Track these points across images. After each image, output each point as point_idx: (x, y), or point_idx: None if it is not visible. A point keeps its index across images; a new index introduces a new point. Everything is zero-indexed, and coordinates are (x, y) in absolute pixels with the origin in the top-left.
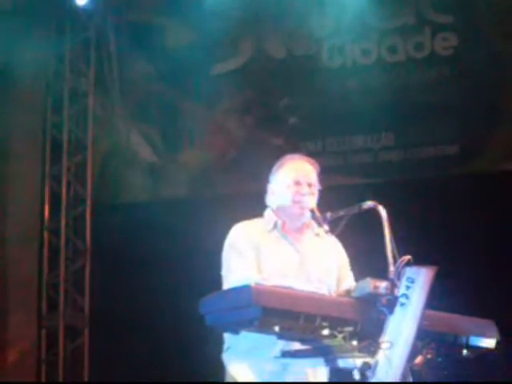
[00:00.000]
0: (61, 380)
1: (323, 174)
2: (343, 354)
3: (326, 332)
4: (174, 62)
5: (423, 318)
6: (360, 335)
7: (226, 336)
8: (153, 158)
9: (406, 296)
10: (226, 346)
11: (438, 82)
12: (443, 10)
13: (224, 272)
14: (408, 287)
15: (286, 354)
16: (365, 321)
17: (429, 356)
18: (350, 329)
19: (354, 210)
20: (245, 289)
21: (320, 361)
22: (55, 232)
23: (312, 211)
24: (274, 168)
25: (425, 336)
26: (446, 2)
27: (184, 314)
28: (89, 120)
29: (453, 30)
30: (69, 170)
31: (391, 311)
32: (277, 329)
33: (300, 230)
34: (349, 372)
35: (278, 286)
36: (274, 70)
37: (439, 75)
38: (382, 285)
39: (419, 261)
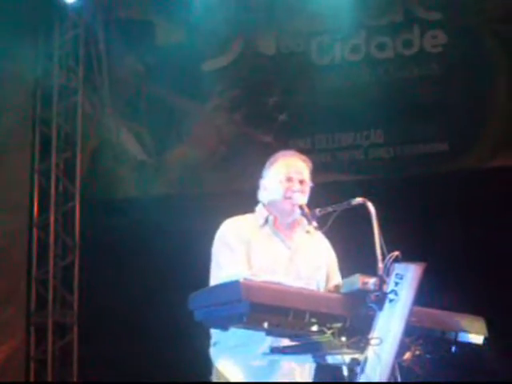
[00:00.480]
0: (50, 377)
1: (313, 171)
2: (332, 351)
3: (314, 328)
4: (164, 59)
5: (412, 314)
6: (349, 331)
7: (214, 331)
8: (142, 155)
9: (394, 292)
10: (213, 340)
11: (427, 79)
12: (432, 8)
13: (213, 267)
14: (397, 283)
15: (274, 351)
16: (354, 317)
17: (417, 352)
18: (338, 325)
19: (343, 206)
20: (234, 284)
21: (308, 357)
22: (44, 228)
23: (301, 207)
24: (267, 164)
25: (413, 332)
26: None
27: (174, 310)
28: (78, 116)
29: (441, 28)
30: (58, 166)
31: (380, 307)
32: (266, 325)
33: (291, 226)
34: (335, 368)
35: (267, 282)
36: (263, 67)
37: (428, 72)
38: (371, 281)
39: (408, 257)
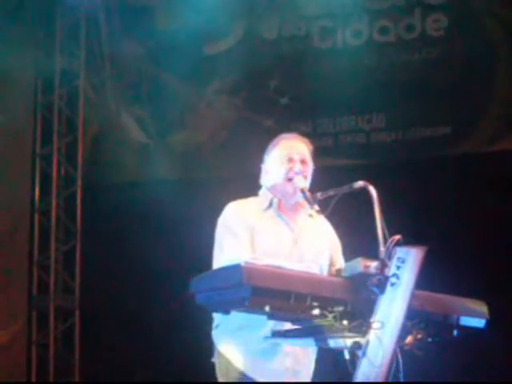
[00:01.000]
0: (52, 362)
1: (314, 155)
2: (334, 334)
3: (316, 312)
4: (165, 43)
5: (413, 297)
6: (351, 315)
7: (216, 314)
8: (143, 139)
9: (396, 276)
10: (215, 323)
11: (429, 63)
12: None
13: (216, 251)
14: (398, 267)
15: (276, 334)
16: (355, 300)
17: (419, 336)
18: (340, 308)
19: (344, 190)
20: (235, 268)
21: (309, 341)
22: (46, 213)
23: (302, 191)
24: (268, 148)
25: (415, 316)
26: None
27: (176, 294)
28: (79, 101)
29: (443, 11)
30: (59, 150)
31: (382, 291)
32: (267, 308)
33: (294, 209)
34: (337, 352)
35: (268, 265)
36: (264, 51)
37: (430, 56)
38: (373, 264)
39: (409, 241)
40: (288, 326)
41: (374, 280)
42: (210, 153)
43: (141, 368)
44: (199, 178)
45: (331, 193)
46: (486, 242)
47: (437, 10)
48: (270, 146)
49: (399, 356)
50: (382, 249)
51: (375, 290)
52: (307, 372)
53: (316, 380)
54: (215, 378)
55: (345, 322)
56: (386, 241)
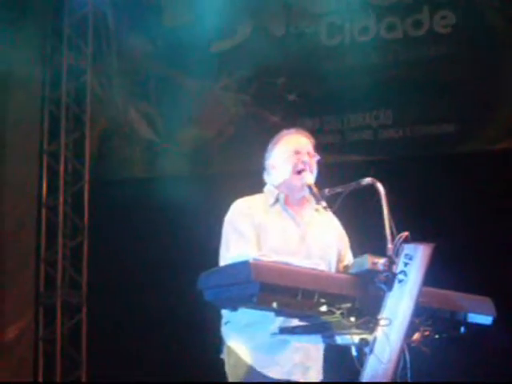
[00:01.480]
0: (59, 357)
1: (321, 151)
2: (341, 331)
3: (324, 308)
4: (173, 39)
5: (421, 294)
6: (358, 312)
7: (224, 310)
8: (151, 135)
9: (404, 273)
10: (224, 320)
11: (437, 59)
12: None
13: (222, 248)
14: (406, 264)
15: (283, 331)
16: (363, 297)
17: (426, 333)
18: (348, 305)
19: (352, 186)
20: (243, 264)
21: (317, 337)
22: (53, 209)
23: (310, 187)
24: (270, 145)
25: (422, 313)
26: None
27: (183, 290)
28: (87, 97)
29: (451, 8)
30: (67, 146)
31: (390, 288)
32: (275, 305)
33: (301, 203)
34: (346, 348)
35: (276, 262)
36: (272, 48)
37: (437, 53)
38: (380, 261)
39: (417, 238)
40: (296, 322)
41: (382, 277)
42: (217, 149)
43: (147, 365)
44: (207, 173)
45: (339, 189)
46: (493, 239)
47: (444, 7)
48: (273, 143)
49: (406, 353)
50: (389, 246)
51: (383, 286)
52: (317, 367)
53: (324, 376)
54: (224, 375)
55: (352, 319)
56: (393, 238)
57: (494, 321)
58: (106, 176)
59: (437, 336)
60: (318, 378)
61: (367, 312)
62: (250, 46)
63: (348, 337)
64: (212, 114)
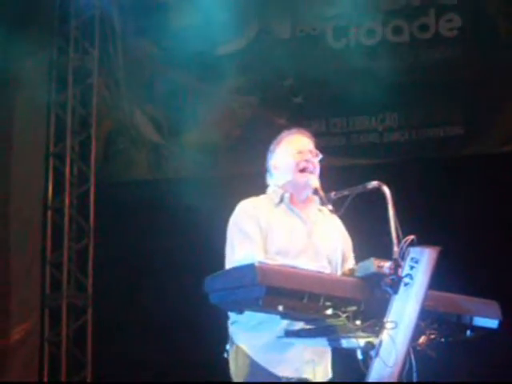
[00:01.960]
0: (64, 359)
1: (327, 154)
2: (347, 334)
3: (329, 312)
4: (179, 41)
5: (427, 298)
6: (364, 315)
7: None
8: (157, 137)
9: (410, 276)
10: (231, 320)
11: (443, 63)
12: None
13: (228, 250)
14: (412, 267)
15: (289, 334)
16: (369, 300)
17: (432, 336)
18: (353, 308)
19: (358, 189)
20: (249, 268)
21: (322, 341)
22: (59, 211)
23: (316, 190)
24: (272, 146)
25: (428, 316)
26: None
27: (188, 292)
28: (93, 99)
29: (457, 12)
30: (73, 148)
31: (395, 291)
32: (281, 308)
33: (305, 203)
34: (352, 351)
35: (282, 265)
36: (278, 50)
37: (444, 56)
38: (386, 264)
39: (423, 241)
40: (302, 323)
41: (388, 280)
42: (224, 151)
43: (152, 366)
44: (213, 176)
45: (345, 192)
46: (499, 242)
47: (451, 11)
48: (275, 144)
49: (412, 356)
50: (395, 249)
51: (389, 290)
52: (326, 364)
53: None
54: (228, 375)
55: (358, 322)
56: (399, 241)
57: (500, 324)
58: (112, 178)
59: (442, 339)
60: (327, 375)
61: (373, 315)
62: (257, 49)
63: (354, 340)
64: (218, 116)
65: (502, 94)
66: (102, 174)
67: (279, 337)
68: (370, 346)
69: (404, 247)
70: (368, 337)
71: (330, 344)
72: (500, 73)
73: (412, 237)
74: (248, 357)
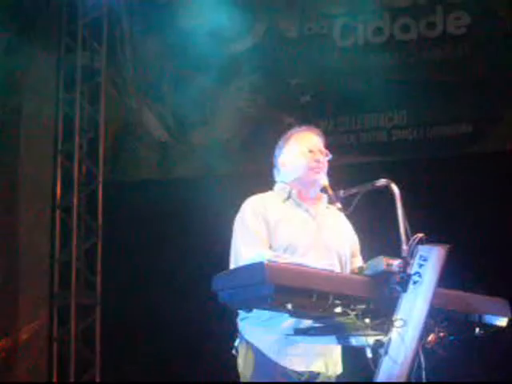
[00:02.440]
0: (73, 358)
1: (335, 152)
2: (356, 332)
3: (338, 310)
4: (187, 40)
5: (435, 296)
6: (373, 313)
7: None
8: (165, 136)
9: (419, 274)
10: (241, 316)
11: (451, 60)
12: None
13: (233, 247)
14: (421, 265)
15: (298, 332)
16: (378, 299)
17: (441, 334)
18: (362, 306)
19: (367, 187)
20: (258, 266)
21: (331, 339)
22: (67, 210)
23: (325, 188)
24: (281, 142)
25: (437, 314)
26: None
27: (196, 291)
28: (101, 98)
29: (465, 9)
30: (81, 147)
31: (405, 289)
32: (289, 306)
33: (313, 200)
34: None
35: (290, 264)
36: (286, 49)
37: (451, 54)
38: (395, 262)
39: (432, 239)
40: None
41: (397, 278)
42: (231, 150)
43: (161, 365)
44: (221, 175)
45: (354, 190)
46: (508, 239)
47: (458, 8)
48: (283, 140)
49: (421, 354)
50: (404, 247)
51: (397, 288)
52: (336, 357)
53: (340, 377)
54: (236, 371)
55: (367, 320)
56: (408, 239)
57: (510, 322)
58: (120, 177)
59: (452, 337)
60: (339, 369)
61: (382, 313)
62: (264, 48)
63: (363, 338)
64: (226, 115)
65: (509, 92)
66: (111, 173)
67: (288, 335)
68: (379, 344)
69: (413, 245)
70: (377, 335)
71: (339, 342)
72: (508, 70)
73: (421, 235)
74: (258, 351)
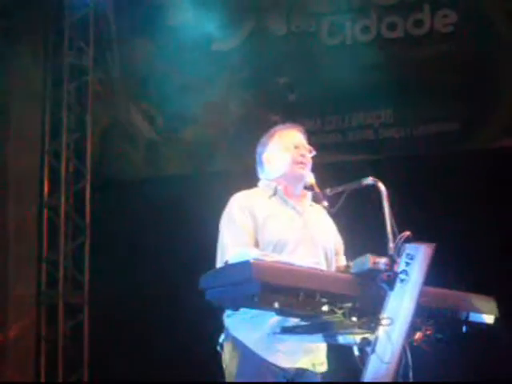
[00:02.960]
0: (61, 358)
1: (322, 151)
2: (343, 330)
3: (325, 308)
4: (174, 39)
5: (422, 294)
6: (360, 311)
7: None
8: (152, 135)
9: (405, 272)
10: (228, 312)
11: (438, 58)
12: None
13: (220, 243)
14: (407, 263)
15: (285, 330)
16: (364, 297)
17: (428, 332)
18: (349, 305)
19: (353, 186)
20: (245, 264)
21: (318, 337)
22: (54, 209)
23: (311, 187)
24: (265, 139)
25: (424, 312)
26: None
27: (185, 290)
28: (88, 97)
29: (452, 7)
30: (68, 146)
31: (391, 287)
32: (276, 305)
33: (299, 197)
34: (348, 348)
35: (277, 262)
36: (273, 47)
37: (439, 52)
38: (382, 261)
39: (418, 237)
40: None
41: (384, 276)
42: (219, 148)
43: (149, 365)
44: (209, 173)
45: (340, 189)
46: (495, 238)
47: (445, 6)
48: (267, 137)
49: (408, 352)
50: (391, 245)
51: (384, 286)
52: (323, 354)
53: (327, 368)
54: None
55: (354, 319)
56: (395, 237)
57: (496, 320)
58: (108, 175)
59: (438, 335)
60: (324, 366)
61: (369, 311)
62: (252, 46)
63: (350, 336)
64: (213, 113)
65: (497, 89)
66: (98, 172)
67: (274, 333)
68: (366, 343)
69: (399, 243)
70: (364, 333)
71: (325, 340)
72: (495, 68)
73: (407, 233)
74: (246, 348)
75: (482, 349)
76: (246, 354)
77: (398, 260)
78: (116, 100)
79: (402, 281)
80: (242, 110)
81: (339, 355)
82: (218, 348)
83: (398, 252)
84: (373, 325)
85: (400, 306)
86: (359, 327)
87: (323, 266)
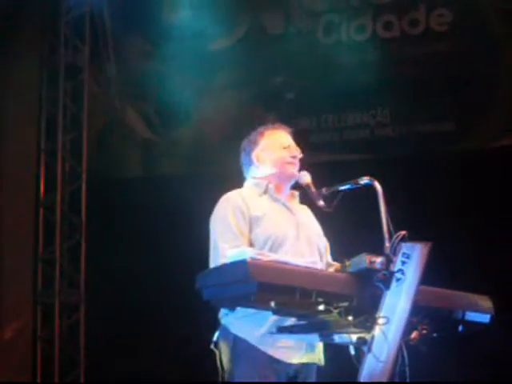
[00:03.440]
0: (57, 357)
1: (319, 150)
2: (339, 330)
3: (321, 307)
4: (170, 37)
5: (418, 293)
6: (356, 310)
7: None
8: (148, 134)
9: (401, 271)
10: (224, 311)
11: (434, 58)
12: None
13: (213, 244)
14: (404, 263)
15: (281, 330)
16: (360, 296)
17: (424, 331)
18: (345, 304)
19: (350, 185)
20: (241, 264)
21: (314, 336)
22: (50, 208)
23: (307, 186)
24: (253, 137)
25: (420, 311)
26: None
27: (180, 289)
28: (84, 96)
29: (448, 6)
30: (64, 145)
31: (387, 286)
32: (273, 304)
33: (288, 197)
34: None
35: (273, 261)
36: (270, 46)
37: (434, 51)
38: (378, 260)
39: (415, 236)
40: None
41: (380, 275)
42: (215, 147)
43: (146, 364)
44: (205, 172)
45: (337, 188)
46: (491, 238)
47: (441, 5)
48: (255, 136)
49: (404, 351)
50: (387, 244)
51: (380, 285)
52: (320, 349)
53: (322, 375)
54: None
55: (350, 318)
56: (391, 236)
57: (492, 319)
58: (104, 175)
59: (435, 334)
60: (321, 362)
61: (365, 311)
62: (248, 45)
63: (346, 335)
64: (210, 112)
65: (492, 89)
66: (94, 171)
67: (271, 332)
68: (362, 342)
69: (395, 242)
70: (360, 332)
71: (322, 339)
72: (491, 67)
73: (404, 232)
74: (248, 345)
75: (479, 348)
76: (247, 351)
77: (394, 259)
78: (112, 99)
79: (398, 280)
80: (238, 109)
81: (335, 354)
82: (212, 346)
83: (394, 251)
84: (369, 324)
85: (396, 305)
86: (355, 326)
87: (319, 265)
